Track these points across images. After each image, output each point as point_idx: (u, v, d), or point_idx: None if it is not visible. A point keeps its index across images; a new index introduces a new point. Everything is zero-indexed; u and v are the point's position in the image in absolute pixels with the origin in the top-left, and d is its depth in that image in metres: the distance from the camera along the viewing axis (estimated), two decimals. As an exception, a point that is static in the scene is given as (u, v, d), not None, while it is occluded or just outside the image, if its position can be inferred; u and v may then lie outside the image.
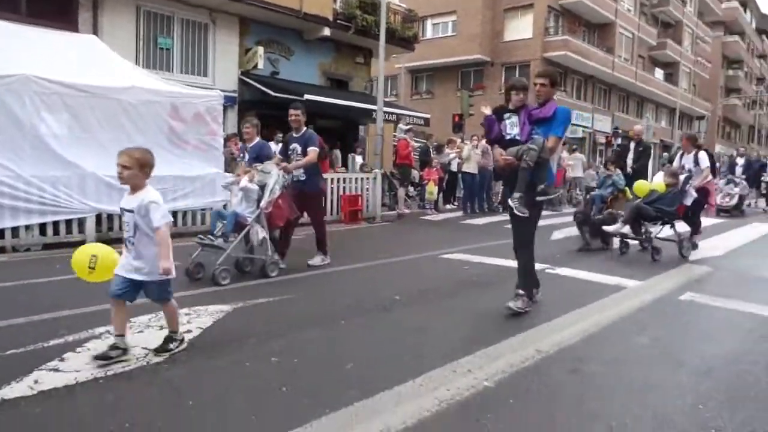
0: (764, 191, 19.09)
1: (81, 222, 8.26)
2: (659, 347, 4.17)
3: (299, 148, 6.59)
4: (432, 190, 13.32)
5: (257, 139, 7.02)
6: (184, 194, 9.29)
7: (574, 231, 10.40)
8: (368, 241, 9.76)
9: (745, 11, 56.15)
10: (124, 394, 3.02)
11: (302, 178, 6.65)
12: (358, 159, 14.91)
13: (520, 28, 29.88)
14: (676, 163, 8.84)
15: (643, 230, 7.85)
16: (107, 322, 4.15)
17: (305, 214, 7.10)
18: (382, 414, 2.88)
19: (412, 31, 19.87)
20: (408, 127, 14.17)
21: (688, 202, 7.85)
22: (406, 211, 12.86)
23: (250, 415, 2.82)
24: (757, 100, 57.90)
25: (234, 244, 5.80)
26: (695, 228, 8.67)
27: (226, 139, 10.99)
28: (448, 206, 14.44)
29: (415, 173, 13.82)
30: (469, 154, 13.12)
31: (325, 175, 11.71)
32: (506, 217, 11.63)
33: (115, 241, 8.09)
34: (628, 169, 10.08)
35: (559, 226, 10.73)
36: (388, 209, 13.09)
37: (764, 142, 63.06)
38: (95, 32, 13.11)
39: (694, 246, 8.42)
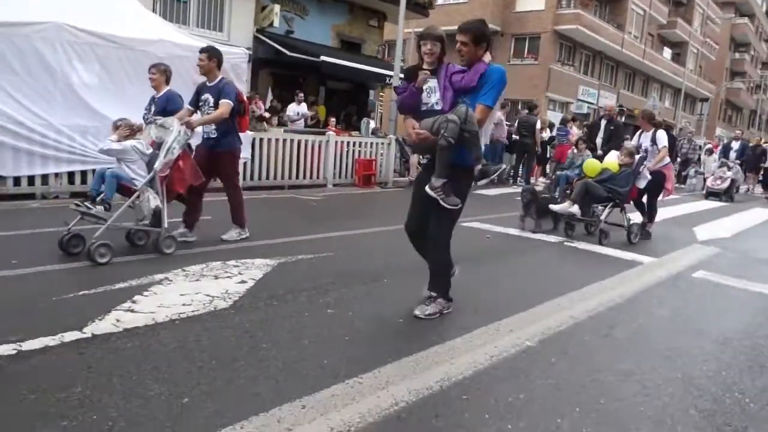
0: (761, 177, 19.01)
1: (107, 172, 8.40)
2: (679, 319, 4.46)
3: (211, 99, 5.57)
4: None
5: (166, 88, 5.86)
6: (206, 150, 9.40)
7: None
8: (387, 205, 9.97)
9: (756, -7, 55.67)
10: (201, 335, 3.26)
11: (212, 136, 5.71)
12: (372, 123, 15.00)
13: (533, -1, 29.63)
14: (633, 142, 8.22)
15: (591, 212, 7.39)
16: (163, 270, 4.41)
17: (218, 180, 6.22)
18: (440, 365, 3.15)
19: (427, -4, 19.72)
20: (426, 94, 14.21)
21: (641, 184, 7.43)
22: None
23: (322, 359, 3.08)
24: (761, 84, 57.86)
25: (117, 215, 4.84)
26: (650, 215, 8.10)
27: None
28: (558, 173, 14.65)
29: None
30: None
31: (339, 138, 11.96)
32: (517, 188, 11.95)
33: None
34: (599, 151, 9.37)
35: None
36: (398, 175, 13.27)
37: (764, 126, 63.20)
38: (113, -19, 13.02)
39: (647, 235, 7.89)
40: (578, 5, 29.76)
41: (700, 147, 20.04)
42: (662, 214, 10.60)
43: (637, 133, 8.26)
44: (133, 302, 3.67)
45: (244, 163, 9.86)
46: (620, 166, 7.28)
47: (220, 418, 2.41)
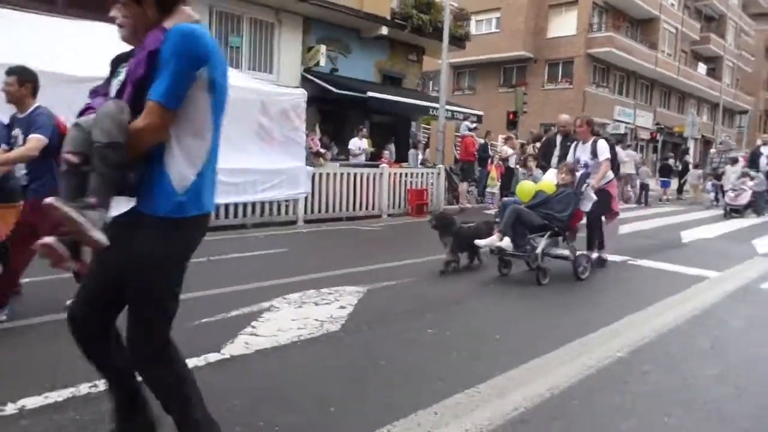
0: None
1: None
2: (755, 329, 4.66)
3: (21, 136, 4.14)
4: (493, 182, 13.92)
5: (33, 104, 4.24)
6: (271, 186, 9.90)
7: (641, 225, 10.87)
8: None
9: (790, 4, 55.00)
10: (324, 354, 3.63)
11: (23, 183, 4.30)
12: (419, 154, 15.45)
13: (564, 24, 30.01)
14: (569, 157, 6.97)
15: (527, 244, 5.93)
16: (266, 298, 4.82)
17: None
18: (545, 376, 3.44)
19: (463, 29, 20.31)
20: (474, 125, 14.65)
21: (586, 207, 6.20)
22: (468, 205, 13.37)
23: (438, 373, 3.40)
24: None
25: None
26: (599, 242, 6.98)
27: (306, 135, 11.61)
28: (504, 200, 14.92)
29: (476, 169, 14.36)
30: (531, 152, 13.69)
31: (392, 170, 12.38)
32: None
33: (210, 230, 8.85)
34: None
35: (624, 221, 11.14)
36: (447, 203, 13.62)
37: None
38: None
39: (601, 263, 6.82)
40: (610, 28, 30.04)
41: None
42: (719, 229, 10.72)
43: (573, 144, 7.05)
44: (253, 327, 4.07)
45: (305, 197, 10.37)
46: (558, 186, 6.20)
47: (368, 424, 2.74)
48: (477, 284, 5.80)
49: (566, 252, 6.26)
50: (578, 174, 6.30)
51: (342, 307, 4.64)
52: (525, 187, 6.55)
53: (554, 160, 7.70)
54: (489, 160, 14.56)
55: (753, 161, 14.89)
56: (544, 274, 5.84)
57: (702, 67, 40.11)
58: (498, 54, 30.84)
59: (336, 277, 5.77)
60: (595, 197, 6.18)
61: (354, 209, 11.25)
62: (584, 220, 6.70)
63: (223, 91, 2.24)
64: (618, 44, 29.35)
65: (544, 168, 8.07)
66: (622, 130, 30.43)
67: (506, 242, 5.75)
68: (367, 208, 11.52)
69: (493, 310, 4.84)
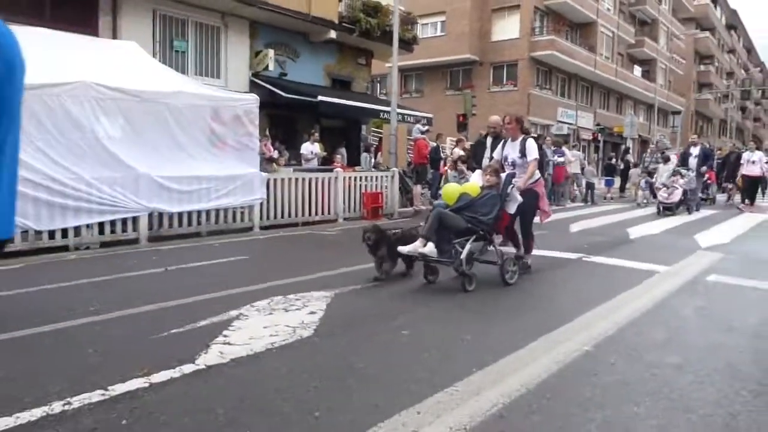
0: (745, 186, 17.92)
1: (135, 220, 8.72)
2: (708, 318, 4.90)
3: None
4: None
5: None
6: (225, 192, 9.76)
7: (590, 223, 11.24)
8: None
9: (715, 7, 58.08)
10: (301, 360, 3.62)
11: None
12: (370, 158, 15.50)
13: (508, 28, 30.77)
14: (497, 154, 6.86)
15: (452, 250, 5.68)
16: (233, 307, 4.76)
17: None
18: (518, 372, 3.54)
19: (411, 33, 20.52)
20: (426, 128, 14.81)
21: (512, 208, 6.01)
22: (422, 207, 13.51)
23: (415, 374, 3.44)
24: (728, 94, 59.90)
25: None
26: (527, 245, 6.75)
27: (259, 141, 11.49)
28: (435, 202, 15.16)
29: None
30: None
31: (347, 174, 12.39)
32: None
33: (165, 239, 8.68)
34: None
35: (573, 219, 11.52)
36: (400, 206, 13.72)
37: (734, 134, 65.18)
38: (114, 36, 13.55)
39: (525, 267, 6.53)
40: (551, 31, 30.94)
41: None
42: (663, 225, 11.20)
43: (502, 142, 6.91)
44: (225, 336, 4.01)
45: (260, 204, 10.27)
46: (483, 188, 6.02)
47: (355, 426, 2.76)
48: (441, 287, 5.87)
49: (497, 255, 6.04)
50: (503, 175, 6.09)
51: (312, 313, 4.64)
52: (449, 190, 6.33)
53: (485, 161, 7.55)
54: (441, 162, 14.75)
55: (684, 160, 15.37)
56: (469, 280, 5.58)
57: (637, 70, 41.87)
58: (444, 57, 31.32)
59: (302, 283, 5.74)
60: (520, 198, 6.02)
61: (310, 214, 11.20)
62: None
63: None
64: (559, 47, 30.28)
65: (475, 170, 7.60)
66: (565, 131, 31.38)
67: (429, 248, 5.48)
68: (322, 213, 11.49)
69: (459, 311, 4.92)
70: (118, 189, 8.43)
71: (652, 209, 14.45)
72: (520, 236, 6.79)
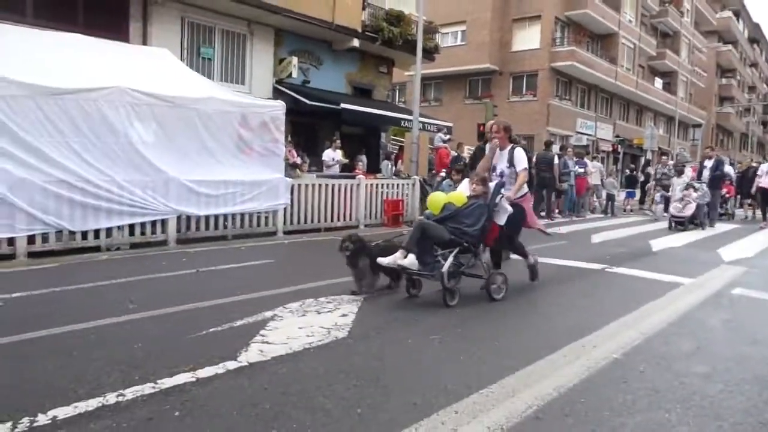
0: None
1: (164, 223, 8.92)
2: (734, 331, 4.95)
3: None
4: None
5: None
6: (251, 197, 9.94)
7: (611, 235, 11.27)
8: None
9: (738, 20, 57.67)
10: (338, 360, 3.74)
11: None
12: (390, 165, 15.65)
13: (528, 38, 30.82)
14: (482, 163, 6.49)
15: (435, 262, 5.28)
16: (267, 308, 4.90)
17: None
18: (550, 376, 3.63)
19: (432, 42, 20.68)
20: (447, 137, 14.93)
21: (502, 220, 5.65)
22: (443, 215, 13.59)
23: (450, 375, 3.55)
24: (750, 108, 59.37)
25: None
26: (522, 252, 6.43)
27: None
28: (425, 213, 15.23)
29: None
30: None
31: (369, 181, 12.52)
32: (541, 222, 12.58)
33: (192, 241, 8.87)
34: None
35: (594, 230, 11.56)
36: (420, 214, 13.84)
37: (756, 149, 64.54)
38: (144, 42, 13.86)
39: (534, 271, 6.39)
40: (572, 42, 30.96)
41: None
42: (685, 238, 11.18)
43: (490, 151, 6.51)
44: (263, 336, 4.15)
45: (284, 209, 10.44)
46: (469, 198, 5.69)
47: (395, 424, 2.88)
48: (467, 292, 5.97)
49: (484, 269, 5.75)
50: (492, 184, 5.76)
51: (344, 315, 4.76)
52: (434, 199, 5.97)
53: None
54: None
55: (699, 174, 14.97)
56: (451, 295, 5.24)
57: (658, 82, 41.64)
58: (464, 66, 31.44)
59: (331, 287, 5.87)
60: (510, 209, 5.68)
61: (332, 220, 11.36)
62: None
63: None
64: (580, 58, 30.27)
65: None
66: (584, 142, 31.32)
67: (410, 260, 5.10)
68: (344, 219, 11.63)
69: (488, 316, 5.02)
70: (149, 192, 8.64)
71: (660, 224, 14.38)
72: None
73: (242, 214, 9.95)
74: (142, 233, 8.77)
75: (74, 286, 5.77)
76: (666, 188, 16.00)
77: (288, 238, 10.08)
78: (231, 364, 3.56)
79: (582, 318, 5.11)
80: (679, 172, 15.98)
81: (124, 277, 6.26)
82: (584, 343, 4.32)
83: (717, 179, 14.26)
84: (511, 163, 6.24)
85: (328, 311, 4.89)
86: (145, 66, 9.61)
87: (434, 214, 5.69)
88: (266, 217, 10.37)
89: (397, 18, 18.86)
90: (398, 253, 5.19)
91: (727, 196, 17.22)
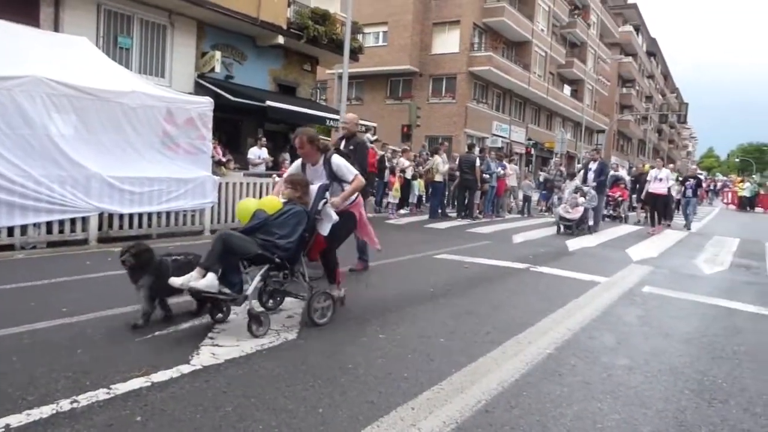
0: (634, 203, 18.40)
1: (84, 221, 8.53)
2: (648, 325, 5.42)
3: None
4: (396, 193, 14.52)
5: None
6: (176, 195, 9.67)
7: (531, 235, 11.84)
8: (355, 243, 10.56)
9: (637, 35, 61.73)
10: (293, 360, 3.80)
11: None
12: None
13: (448, 42, 31.64)
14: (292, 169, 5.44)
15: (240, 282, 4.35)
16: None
17: None
18: (493, 372, 3.86)
19: (357, 43, 20.83)
20: (374, 137, 15.11)
21: (325, 230, 4.84)
22: (369, 215, 13.75)
23: (401, 373, 3.70)
24: (647, 116, 63.73)
25: None
26: (332, 274, 5.26)
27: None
28: (401, 211, 15.54)
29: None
30: (439, 165, 14.47)
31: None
32: (462, 222, 13.04)
33: (115, 240, 8.55)
34: None
35: (515, 231, 12.12)
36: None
37: (651, 154, 69.32)
38: (56, 29, 13.14)
39: (340, 302, 5.14)
40: (489, 48, 32.07)
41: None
42: (596, 239, 11.94)
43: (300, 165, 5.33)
44: (211, 338, 4.14)
45: (211, 207, 10.24)
46: (285, 203, 4.73)
47: (356, 421, 2.99)
48: (403, 292, 6.15)
49: (305, 288, 4.86)
50: (315, 187, 4.89)
51: (290, 317, 4.82)
52: (243, 206, 4.94)
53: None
54: (386, 171, 15.13)
55: (584, 177, 14.20)
56: (257, 323, 4.31)
57: (567, 89, 43.92)
58: (385, 67, 31.84)
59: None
60: (335, 217, 4.85)
61: (260, 218, 11.23)
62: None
63: None
64: (496, 64, 31.42)
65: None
66: (499, 144, 32.56)
67: (208, 281, 4.10)
68: (272, 218, 11.53)
69: (427, 316, 5.21)
70: (68, 188, 8.24)
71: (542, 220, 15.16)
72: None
73: (168, 213, 9.68)
74: (61, 231, 8.34)
75: (-5, 288, 5.46)
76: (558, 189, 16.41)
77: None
78: (185, 368, 3.54)
79: (515, 315, 5.42)
80: (571, 176, 16.09)
81: (48, 278, 5.98)
82: (520, 339, 4.61)
83: (602, 184, 14.07)
84: (333, 177, 5.12)
85: (274, 313, 4.91)
86: (63, 55, 9.12)
87: (242, 222, 4.73)
88: (192, 216, 10.14)
89: (322, 17, 18.88)
90: (195, 272, 4.20)
91: (620, 199, 17.49)
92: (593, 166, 14.07)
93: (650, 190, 14.81)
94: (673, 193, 16.66)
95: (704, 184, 31.74)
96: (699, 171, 32.12)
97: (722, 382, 4.02)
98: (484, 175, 14.88)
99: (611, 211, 17.49)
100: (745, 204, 31.26)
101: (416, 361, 3.98)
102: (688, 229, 16.18)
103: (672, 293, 6.88)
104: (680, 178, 19.04)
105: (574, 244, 10.89)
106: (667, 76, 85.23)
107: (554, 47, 39.76)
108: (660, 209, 14.95)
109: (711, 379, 4.07)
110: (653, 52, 71.54)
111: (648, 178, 15.40)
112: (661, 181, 14.57)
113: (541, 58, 38.31)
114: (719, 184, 42.52)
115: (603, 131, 49.77)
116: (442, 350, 4.25)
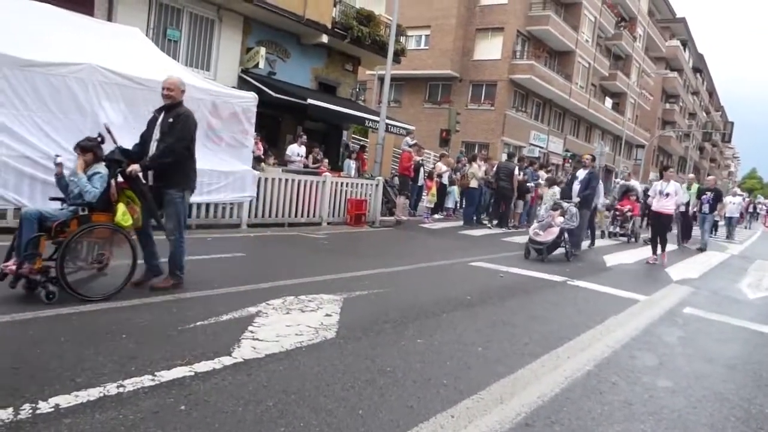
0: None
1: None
2: (690, 348, 5.28)
3: None
4: (433, 197, 14.48)
5: None
6: (217, 188, 9.82)
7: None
8: (391, 244, 10.62)
9: (684, 50, 60.39)
10: (331, 360, 3.80)
11: None
12: (354, 164, 15.71)
13: (490, 48, 31.40)
14: None
15: None
16: (249, 304, 4.91)
17: None
18: (533, 384, 3.81)
19: (400, 45, 20.84)
20: (414, 141, 15.10)
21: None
22: (404, 218, 13.77)
23: (440, 380, 3.68)
24: (689, 134, 62.32)
25: None
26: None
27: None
28: (436, 216, 15.49)
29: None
30: (475, 172, 14.39)
31: (335, 179, 12.52)
32: (497, 231, 12.90)
33: (155, 228, 8.68)
34: None
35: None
36: (382, 215, 13.97)
37: (691, 172, 67.71)
38: (110, 17, 13.45)
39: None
40: (531, 56, 31.75)
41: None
42: (635, 255, 11.69)
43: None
44: (252, 332, 4.17)
45: (250, 201, 10.35)
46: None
47: (396, 426, 2.98)
48: (439, 297, 6.12)
49: None
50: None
51: (328, 315, 4.82)
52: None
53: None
54: (419, 175, 15.10)
55: (569, 185, 11.56)
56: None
57: (608, 102, 43.20)
58: (425, 70, 31.79)
59: (309, 285, 5.92)
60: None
61: (296, 216, 11.33)
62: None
63: None
64: (538, 73, 31.08)
65: None
66: (536, 154, 32.21)
67: None
68: (308, 216, 11.63)
69: (465, 323, 5.17)
70: (114, 175, 8.41)
71: (613, 240, 14.92)
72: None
73: (207, 204, 9.82)
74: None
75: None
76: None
77: (252, 231, 10.01)
78: (226, 360, 3.58)
79: (553, 328, 5.34)
80: (551, 183, 13.63)
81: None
82: (559, 354, 4.54)
83: (588, 198, 11.09)
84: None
85: (312, 310, 4.93)
86: (116, 44, 9.33)
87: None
88: (231, 209, 10.27)
89: (367, 18, 18.94)
90: None
91: (630, 214, 15.16)
92: (581, 174, 11.16)
93: (653, 208, 11.23)
94: (690, 208, 15.23)
95: (744, 204, 30.82)
96: (739, 191, 31.19)
97: (768, 412, 3.90)
98: (528, 184, 14.67)
99: (618, 229, 15.28)
100: (788, 229, 30.30)
101: (455, 368, 3.95)
102: (702, 250, 14.39)
103: (714, 316, 6.71)
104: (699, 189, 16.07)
105: (610, 259, 10.71)
106: (712, 93, 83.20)
107: (598, 59, 39.15)
108: (662, 233, 11.07)
109: (758, 407, 3.95)
110: (699, 68, 69.90)
111: (650, 193, 11.85)
112: (668, 197, 10.88)
113: (584, 69, 37.76)
114: (760, 206, 41.20)
115: (643, 146, 48.86)
116: (480, 359, 4.21)
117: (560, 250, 10.12)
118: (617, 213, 15.43)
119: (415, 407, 3.22)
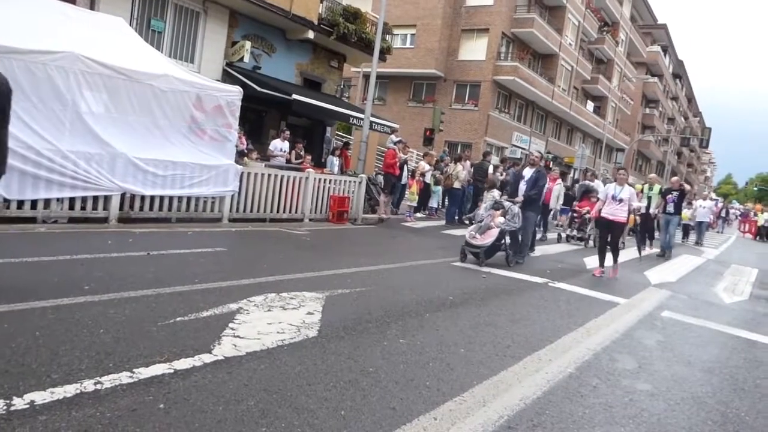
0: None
1: (106, 199, 8.58)
2: (669, 351, 5.33)
3: None
4: (414, 196, 14.45)
5: None
6: (199, 181, 9.71)
7: (547, 249, 11.73)
8: (374, 242, 10.58)
9: (665, 56, 61.17)
10: (313, 359, 3.76)
11: None
12: (337, 161, 15.63)
13: (474, 49, 31.51)
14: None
15: None
16: (229, 300, 4.85)
17: None
18: (514, 386, 3.81)
19: (386, 43, 20.79)
20: (398, 139, 15.07)
21: None
22: (386, 216, 13.74)
23: (423, 381, 3.66)
24: (668, 138, 63.17)
25: None
26: None
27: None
28: (418, 214, 15.49)
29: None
30: (459, 173, 14.39)
31: (317, 176, 12.45)
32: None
33: (134, 221, 8.60)
34: None
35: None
36: (364, 212, 13.93)
37: (669, 177, 68.65)
38: (92, 6, 13.21)
39: None
40: (515, 58, 31.90)
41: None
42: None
43: None
44: (233, 329, 4.11)
45: (231, 196, 10.25)
46: None
47: (379, 427, 2.95)
48: (422, 297, 6.11)
49: None
50: None
51: (310, 314, 4.78)
52: None
53: None
54: (403, 174, 15.07)
55: (514, 187, 10.13)
56: None
57: (590, 105, 43.59)
58: (410, 69, 31.80)
59: (291, 282, 5.87)
60: None
61: (277, 211, 11.25)
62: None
63: None
64: (521, 74, 31.25)
65: None
66: (518, 155, 32.38)
67: None
68: (290, 211, 11.55)
69: (447, 324, 5.16)
70: (94, 165, 8.30)
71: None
72: None
73: (188, 198, 9.71)
74: (83, 208, 8.41)
75: (18, 260, 5.49)
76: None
77: (233, 225, 9.91)
78: (207, 357, 3.52)
79: (534, 330, 5.36)
80: (491, 185, 12.72)
81: (71, 254, 6.00)
82: (541, 356, 4.55)
83: (532, 199, 9.78)
84: None
85: (293, 308, 4.89)
86: (99, 33, 9.18)
87: None
88: (212, 203, 10.16)
89: (353, 15, 18.86)
90: None
91: (588, 217, 13.57)
92: (528, 173, 9.98)
93: (603, 214, 9.52)
94: (652, 210, 14.21)
95: (716, 209, 31.14)
96: (714, 196, 31.49)
97: (745, 416, 3.95)
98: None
99: (575, 232, 14.32)
100: (763, 234, 30.88)
101: (437, 369, 3.94)
102: (663, 256, 13.64)
103: (692, 320, 6.80)
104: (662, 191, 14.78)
105: (591, 262, 10.78)
106: (691, 99, 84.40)
107: (581, 62, 39.48)
108: (613, 243, 9.62)
109: (734, 411, 4.00)
110: (679, 74, 70.86)
111: (600, 196, 10.44)
112: (621, 202, 9.33)
113: (567, 72, 38.06)
114: (737, 212, 41.81)
115: (623, 150, 49.42)
116: (463, 360, 4.21)
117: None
118: (575, 215, 14.42)
119: (397, 409, 3.20)
